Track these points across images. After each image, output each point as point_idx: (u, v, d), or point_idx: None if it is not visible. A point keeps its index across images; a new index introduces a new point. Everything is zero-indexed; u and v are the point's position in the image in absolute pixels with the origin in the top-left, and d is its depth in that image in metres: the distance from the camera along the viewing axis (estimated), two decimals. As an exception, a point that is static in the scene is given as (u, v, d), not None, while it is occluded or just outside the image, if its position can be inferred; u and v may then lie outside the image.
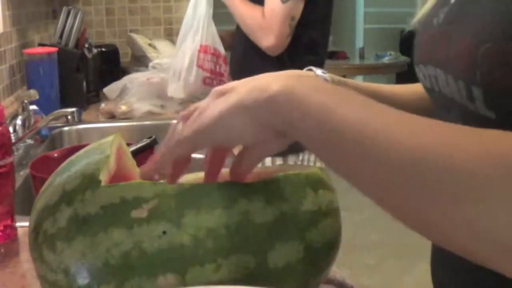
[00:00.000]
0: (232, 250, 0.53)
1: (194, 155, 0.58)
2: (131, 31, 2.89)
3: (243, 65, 1.88)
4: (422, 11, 0.71)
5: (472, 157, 0.41)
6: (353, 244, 3.21)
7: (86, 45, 2.39)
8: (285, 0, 1.68)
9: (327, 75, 0.72)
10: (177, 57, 2.08)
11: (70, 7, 2.32)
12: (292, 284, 0.56)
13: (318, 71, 0.73)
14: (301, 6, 1.72)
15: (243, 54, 1.88)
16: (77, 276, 0.53)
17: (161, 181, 0.58)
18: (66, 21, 2.27)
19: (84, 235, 0.53)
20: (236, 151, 0.58)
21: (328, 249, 0.59)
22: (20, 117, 1.63)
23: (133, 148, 1.24)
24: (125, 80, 2.24)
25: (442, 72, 0.59)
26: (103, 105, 2.05)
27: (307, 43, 1.80)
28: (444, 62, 0.58)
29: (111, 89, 2.23)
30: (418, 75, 0.69)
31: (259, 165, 0.61)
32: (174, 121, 0.59)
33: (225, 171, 0.62)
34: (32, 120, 1.67)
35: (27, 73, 2.00)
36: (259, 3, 1.76)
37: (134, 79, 2.23)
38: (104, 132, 1.87)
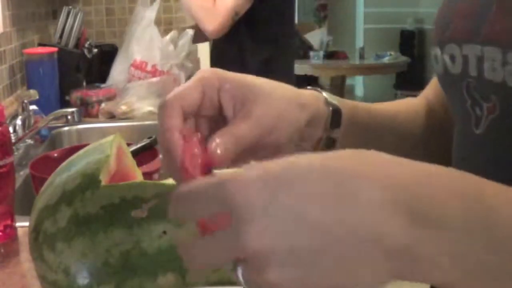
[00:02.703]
0: (232, 250, 0.53)
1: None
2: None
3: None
4: None
5: None
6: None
7: (86, 45, 2.39)
8: None
9: (334, 98, 0.61)
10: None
11: (70, 7, 2.32)
12: (292, 284, 0.56)
13: (325, 94, 0.62)
14: (247, 5, 1.98)
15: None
16: (77, 276, 0.53)
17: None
18: (66, 21, 2.27)
19: (84, 235, 0.53)
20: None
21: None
22: (20, 117, 1.63)
23: (133, 148, 1.24)
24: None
25: (496, 50, 0.51)
26: (103, 105, 2.05)
27: (266, 37, 2.06)
28: (501, 37, 0.50)
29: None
30: (438, 60, 0.60)
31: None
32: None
33: (225, 170, 0.62)
34: (32, 120, 1.67)
35: (27, 73, 2.00)
36: None
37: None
38: (104, 132, 1.87)
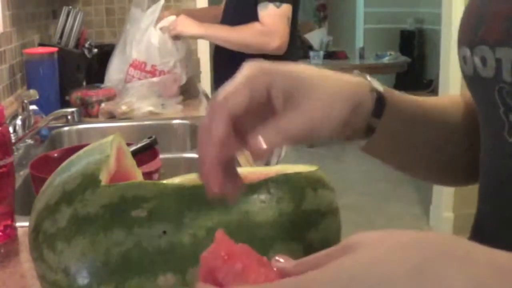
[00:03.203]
0: (232, 250, 0.53)
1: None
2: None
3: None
4: None
5: None
6: (353, 244, 3.20)
7: (86, 45, 2.39)
8: (279, 5, 1.96)
9: (380, 86, 0.60)
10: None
11: (70, 7, 2.32)
12: (292, 284, 0.56)
13: (374, 82, 0.60)
14: (291, 7, 2.01)
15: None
16: (77, 276, 0.53)
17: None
18: (66, 21, 2.27)
19: (84, 235, 0.53)
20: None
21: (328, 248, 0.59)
22: (20, 117, 1.63)
23: (133, 148, 1.24)
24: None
25: None
26: (103, 105, 2.05)
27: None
28: None
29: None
30: (466, 61, 0.58)
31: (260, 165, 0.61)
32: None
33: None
34: (32, 120, 1.67)
35: (27, 73, 2.00)
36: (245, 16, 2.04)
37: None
38: (104, 132, 1.87)
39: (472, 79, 0.58)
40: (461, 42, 0.59)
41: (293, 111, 0.49)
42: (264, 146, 0.47)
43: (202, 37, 2.17)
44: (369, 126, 0.58)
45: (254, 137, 0.47)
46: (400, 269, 0.34)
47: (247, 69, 0.50)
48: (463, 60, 0.58)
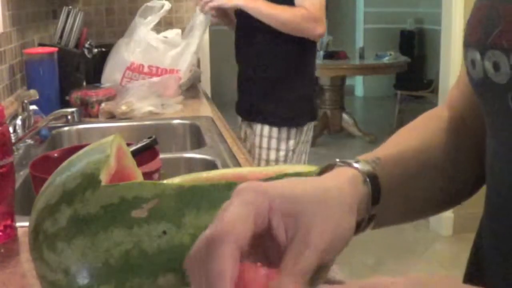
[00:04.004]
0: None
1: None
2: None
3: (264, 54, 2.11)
4: None
5: None
6: (353, 244, 3.20)
7: (86, 45, 2.39)
8: None
9: (368, 170, 0.55)
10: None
11: (70, 7, 2.32)
12: (292, 284, 0.56)
13: (361, 166, 0.56)
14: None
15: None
16: (77, 276, 0.53)
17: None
18: (66, 21, 2.27)
19: (84, 235, 0.53)
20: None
21: (328, 249, 0.59)
22: (20, 117, 1.63)
23: (133, 148, 1.24)
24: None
25: None
26: (103, 105, 2.05)
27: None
28: None
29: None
30: (475, 65, 0.54)
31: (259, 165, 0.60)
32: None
33: (226, 170, 0.62)
34: (32, 120, 1.67)
35: (27, 73, 2.00)
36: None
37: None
38: (104, 132, 1.87)
39: (481, 84, 0.55)
40: (469, 44, 0.55)
41: (300, 246, 0.44)
42: None
43: (245, 8, 2.01)
44: (369, 216, 0.55)
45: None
46: None
47: (245, 195, 0.45)
48: (471, 63, 0.55)
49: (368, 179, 0.54)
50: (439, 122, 0.66)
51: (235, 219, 0.43)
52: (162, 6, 2.39)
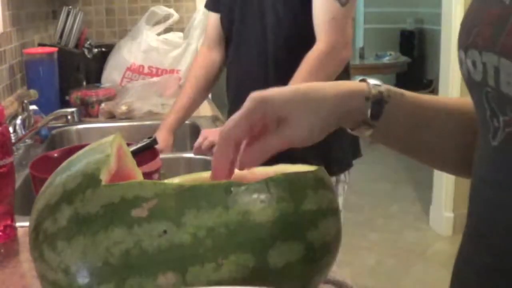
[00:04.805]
0: (232, 249, 0.53)
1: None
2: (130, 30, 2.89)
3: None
4: None
5: None
6: (353, 244, 3.21)
7: (86, 45, 2.39)
8: (345, 2, 1.48)
9: (383, 87, 0.65)
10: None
11: (70, 7, 2.32)
12: (292, 284, 0.56)
13: (372, 81, 0.66)
14: (356, 2, 1.55)
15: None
16: (77, 275, 0.53)
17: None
18: (66, 21, 2.27)
19: (84, 235, 0.53)
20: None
21: (328, 248, 0.59)
22: (20, 117, 1.63)
23: (133, 148, 1.24)
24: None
25: (510, 64, 0.49)
26: (103, 105, 2.05)
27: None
28: None
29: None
30: (462, 64, 0.59)
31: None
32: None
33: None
34: (32, 120, 1.67)
35: (27, 73, 2.00)
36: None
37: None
38: (104, 132, 1.87)
39: (467, 82, 0.60)
40: (459, 45, 0.60)
41: (275, 136, 0.60)
42: (245, 164, 0.60)
43: None
44: (366, 123, 0.64)
45: (241, 156, 0.60)
46: None
47: (248, 101, 0.60)
48: (460, 62, 0.60)
49: (373, 96, 0.63)
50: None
51: (235, 124, 0.60)
52: (169, 14, 2.40)
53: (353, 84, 0.65)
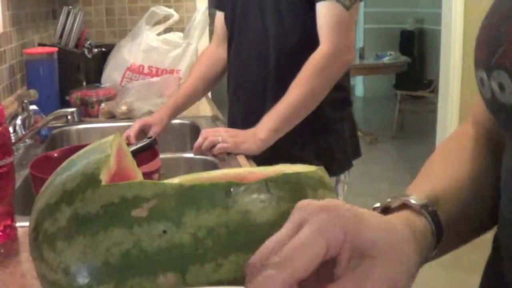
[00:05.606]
0: (232, 249, 0.53)
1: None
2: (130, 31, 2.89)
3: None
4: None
5: None
6: (353, 244, 3.21)
7: (86, 45, 2.39)
8: (349, 6, 1.47)
9: (435, 218, 0.55)
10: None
11: (70, 7, 2.32)
12: (292, 284, 0.56)
13: (429, 219, 0.55)
14: (359, 6, 1.53)
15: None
16: (77, 275, 0.53)
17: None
18: (66, 21, 2.27)
19: (84, 235, 0.53)
20: None
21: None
22: (20, 117, 1.63)
23: (133, 148, 1.25)
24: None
25: None
26: (103, 105, 2.05)
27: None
28: None
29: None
30: (484, 85, 0.54)
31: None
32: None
33: (226, 170, 0.62)
34: (32, 120, 1.67)
35: (27, 73, 2.00)
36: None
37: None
38: (104, 132, 1.87)
39: (491, 103, 0.55)
40: (477, 64, 0.55)
41: (363, 277, 0.42)
42: None
43: (275, 134, 1.45)
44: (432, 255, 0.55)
45: None
46: None
47: (316, 215, 0.42)
48: (480, 82, 0.55)
49: (434, 230, 0.53)
50: (473, 142, 0.65)
51: (303, 249, 0.40)
52: (169, 14, 2.41)
53: (413, 218, 0.52)
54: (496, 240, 0.61)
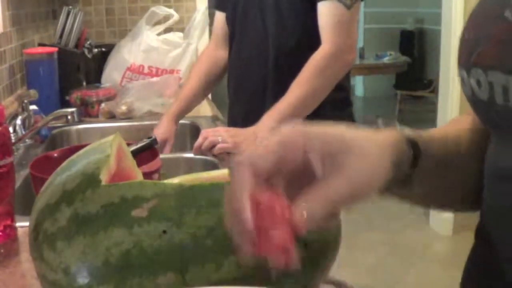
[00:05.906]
0: (232, 249, 0.53)
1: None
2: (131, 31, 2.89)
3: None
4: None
5: None
6: (353, 244, 3.21)
7: (86, 45, 2.39)
8: (350, 5, 1.47)
9: (412, 136, 0.58)
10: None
11: (70, 7, 2.32)
12: (292, 284, 0.56)
13: (406, 133, 0.59)
14: (360, 5, 1.53)
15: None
16: (77, 275, 0.53)
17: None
18: (66, 21, 2.27)
19: (84, 235, 0.53)
20: None
21: (328, 248, 0.59)
22: (20, 117, 1.63)
23: (133, 148, 1.24)
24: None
25: None
26: (103, 105, 2.05)
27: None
28: None
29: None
30: (464, 82, 0.57)
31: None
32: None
33: (225, 171, 0.62)
34: (32, 120, 1.67)
35: (27, 73, 2.00)
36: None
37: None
38: (104, 132, 1.87)
39: (471, 101, 0.58)
40: (459, 63, 0.58)
41: (335, 177, 0.47)
42: (306, 216, 0.45)
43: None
44: (407, 176, 0.57)
45: (296, 208, 0.45)
46: None
47: (282, 132, 0.48)
48: (462, 81, 0.58)
49: (411, 144, 0.56)
50: (470, 125, 0.67)
51: (256, 154, 0.47)
52: (169, 14, 2.41)
53: (391, 132, 0.56)
54: (478, 228, 0.63)
